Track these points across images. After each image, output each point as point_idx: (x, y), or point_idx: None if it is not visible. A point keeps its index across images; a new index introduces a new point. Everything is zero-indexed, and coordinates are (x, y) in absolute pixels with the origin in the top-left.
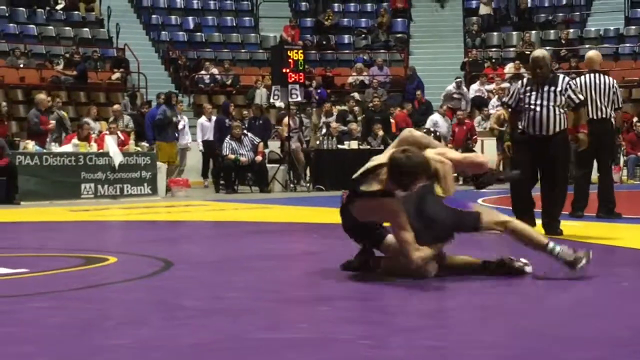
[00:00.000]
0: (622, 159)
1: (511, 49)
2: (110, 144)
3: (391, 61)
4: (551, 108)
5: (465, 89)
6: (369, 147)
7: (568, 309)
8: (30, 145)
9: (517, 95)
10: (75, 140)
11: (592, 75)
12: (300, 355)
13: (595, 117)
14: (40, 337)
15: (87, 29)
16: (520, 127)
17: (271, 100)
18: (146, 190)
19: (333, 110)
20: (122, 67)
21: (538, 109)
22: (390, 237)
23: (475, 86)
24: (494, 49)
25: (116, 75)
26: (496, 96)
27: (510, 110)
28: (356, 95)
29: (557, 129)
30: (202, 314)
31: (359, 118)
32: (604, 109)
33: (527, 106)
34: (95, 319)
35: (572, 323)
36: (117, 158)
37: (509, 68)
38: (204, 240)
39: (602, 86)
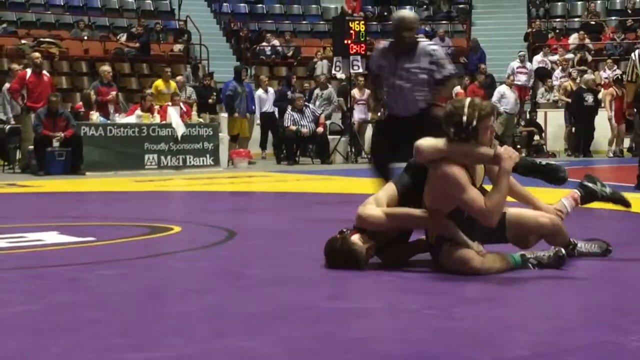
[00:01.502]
0: None
1: (576, 19)
2: (173, 115)
3: (453, 32)
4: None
5: (529, 64)
6: None
7: (635, 282)
8: (95, 117)
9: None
10: (138, 112)
11: None
12: (365, 324)
13: None
14: (108, 303)
15: (149, 1)
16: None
17: (333, 72)
18: (208, 162)
19: None
20: (185, 39)
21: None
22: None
23: (538, 57)
24: (558, 19)
25: (178, 47)
26: (560, 67)
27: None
28: None
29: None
30: (266, 283)
31: None
32: None
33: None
34: (161, 286)
35: (633, 296)
36: (180, 129)
37: (574, 39)
38: (266, 210)
39: None
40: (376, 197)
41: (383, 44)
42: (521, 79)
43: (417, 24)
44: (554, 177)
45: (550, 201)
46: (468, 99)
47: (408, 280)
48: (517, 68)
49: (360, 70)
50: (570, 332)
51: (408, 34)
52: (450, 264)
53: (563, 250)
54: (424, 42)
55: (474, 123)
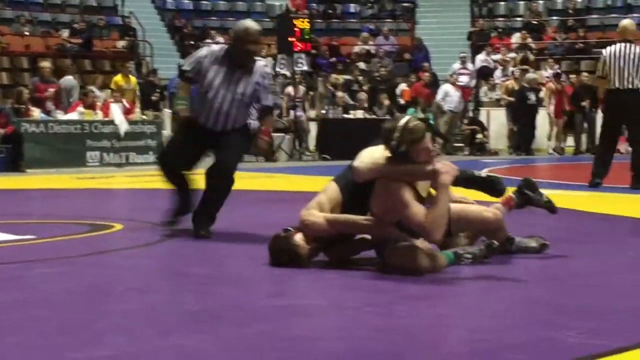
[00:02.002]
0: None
1: (518, 19)
2: (116, 112)
3: (397, 30)
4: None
5: (471, 65)
6: (374, 116)
7: (572, 279)
8: (36, 113)
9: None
10: (80, 108)
11: (622, 44)
12: (306, 322)
13: (622, 87)
14: (49, 301)
15: None
16: None
17: (277, 69)
18: (152, 159)
19: (339, 80)
20: (129, 36)
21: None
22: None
23: (481, 56)
24: (500, 19)
25: (121, 44)
26: (502, 67)
27: None
28: (362, 64)
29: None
30: (208, 281)
31: (365, 87)
32: (632, 79)
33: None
34: (103, 284)
35: (576, 293)
36: (123, 126)
37: (516, 38)
38: None
39: (632, 56)
40: (319, 202)
41: (212, 48)
42: (463, 80)
43: (260, 37)
44: (492, 189)
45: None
46: (402, 121)
47: (350, 278)
48: (459, 69)
49: (305, 68)
50: (509, 328)
51: (253, 47)
52: (396, 262)
53: (495, 242)
54: (261, 62)
55: (403, 148)
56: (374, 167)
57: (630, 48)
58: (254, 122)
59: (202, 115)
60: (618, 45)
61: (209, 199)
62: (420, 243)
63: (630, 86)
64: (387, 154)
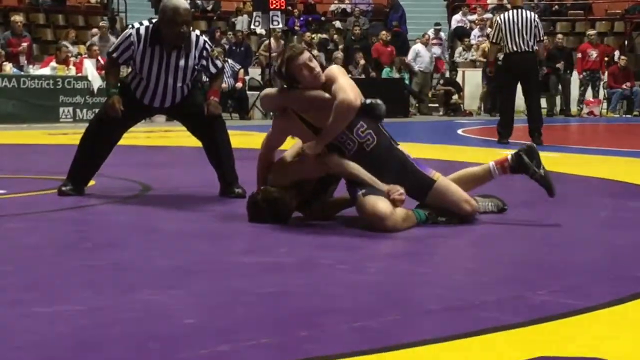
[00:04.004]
0: (602, 92)
1: None
2: (90, 67)
3: None
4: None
5: (443, 34)
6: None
7: (544, 239)
8: (8, 68)
9: None
10: (53, 64)
11: (515, 11)
12: (278, 278)
13: (518, 50)
14: (16, 257)
15: None
16: None
17: (252, 27)
18: None
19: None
20: None
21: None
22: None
23: (457, 17)
24: None
25: None
26: (478, 27)
27: None
28: (337, 23)
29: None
30: (179, 237)
31: (340, 47)
32: (526, 41)
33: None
34: (72, 240)
35: (548, 252)
36: (96, 82)
37: None
38: (182, 165)
39: (524, 21)
40: (283, 156)
41: (139, 31)
42: (436, 51)
43: (191, 15)
44: (372, 114)
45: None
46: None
47: (323, 236)
48: (432, 39)
49: (280, 26)
50: (481, 287)
51: (185, 28)
52: (364, 216)
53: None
54: (196, 36)
55: (284, 68)
56: (273, 96)
57: (522, 13)
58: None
59: (145, 96)
60: (511, 12)
61: (225, 155)
62: (392, 188)
63: (526, 48)
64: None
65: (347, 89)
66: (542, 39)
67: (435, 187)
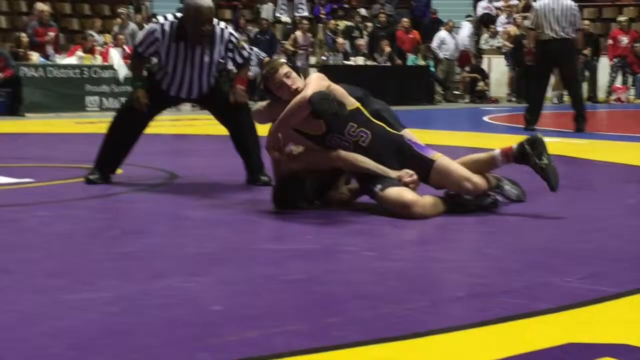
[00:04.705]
0: (629, 79)
1: None
2: (115, 56)
3: None
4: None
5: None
6: (375, 63)
7: (571, 225)
8: (35, 57)
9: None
10: (79, 53)
11: None
12: (305, 265)
13: (555, 36)
14: (46, 244)
15: None
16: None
17: (277, 15)
18: None
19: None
20: None
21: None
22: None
23: (483, 3)
24: None
25: None
26: (505, 13)
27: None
28: (362, 10)
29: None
30: (207, 224)
31: (365, 34)
32: (563, 28)
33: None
34: (100, 227)
35: (575, 239)
36: (122, 71)
37: None
38: (208, 153)
39: (562, 8)
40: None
41: (163, 25)
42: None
43: (214, 13)
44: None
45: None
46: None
47: (348, 223)
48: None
49: (305, 14)
50: (508, 273)
51: (208, 27)
52: (389, 207)
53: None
54: (221, 29)
55: (262, 86)
56: (262, 111)
57: (560, 0)
58: (254, 69)
59: (171, 88)
60: None
61: (251, 143)
62: (404, 174)
63: (564, 35)
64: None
65: (308, 88)
66: (580, 27)
67: (434, 166)
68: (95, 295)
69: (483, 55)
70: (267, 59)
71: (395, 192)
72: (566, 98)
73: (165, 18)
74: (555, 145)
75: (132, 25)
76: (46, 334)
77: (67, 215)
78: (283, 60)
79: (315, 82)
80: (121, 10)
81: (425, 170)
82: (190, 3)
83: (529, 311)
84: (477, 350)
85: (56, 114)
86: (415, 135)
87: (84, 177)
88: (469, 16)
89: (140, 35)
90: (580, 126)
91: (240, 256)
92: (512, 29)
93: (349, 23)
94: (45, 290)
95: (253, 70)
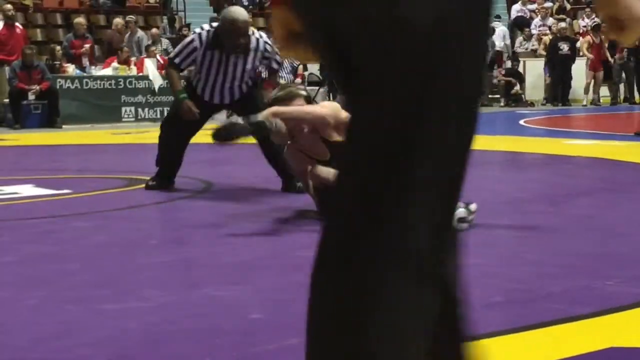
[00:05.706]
0: None
1: None
2: (150, 67)
3: None
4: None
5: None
6: None
7: (610, 229)
8: (71, 69)
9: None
10: (114, 64)
11: None
12: None
13: None
14: (83, 255)
15: None
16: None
17: None
18: None
19: None
20: None
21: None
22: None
23: (517, 6)
24: None
25: None
26: (539, 16)
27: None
28: None
29: None
30: (244, 232)
31: None
32: None
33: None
34: (138, 237)
35: (614, 242)
36: (157, 81)
37: None
38: (244, 162)
39: None
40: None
41: (201, 36)
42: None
43: (249, 25)
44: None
45: None
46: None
47: None
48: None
49: None
50: (547, 277)
51: (243, 40)
52: None
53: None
54: (257, 39)
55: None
56: (281, 132)
57: None
58: (287, 76)
59: (205, 92)
60: None
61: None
62: None
63: None
64: None
65: (324, 107)
66: None
67: None
68: (135, 305)
69: (519, 58)
70: (300, 66)
71: None
72: (604, 99)
73: (202, 28)
74: (593, 147)
75: (140, 33)
76: (87, 344)
77: (105, 226)
78: (303, 92)
79: (330, 106)
80: (154, 31)
81: None
82: (227, 16)
83: (569, 315)
84: (517, 356)
85: (92, 125)
86: None
87: (145, 184)
88: (498, 17)
89: (179, 47)
90: None
91: (278, 264)
92: (547, 37)
93: None
94: (85, 301)
95: (286, 78)
